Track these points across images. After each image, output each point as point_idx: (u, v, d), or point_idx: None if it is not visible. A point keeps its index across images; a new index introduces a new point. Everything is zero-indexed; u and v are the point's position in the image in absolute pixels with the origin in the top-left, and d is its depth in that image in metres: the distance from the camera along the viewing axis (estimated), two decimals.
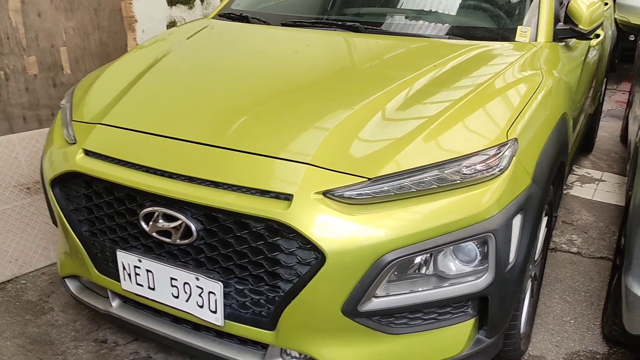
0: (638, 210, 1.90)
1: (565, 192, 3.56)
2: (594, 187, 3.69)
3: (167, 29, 3.44)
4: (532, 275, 2.14)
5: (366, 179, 1.54)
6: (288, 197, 1.52)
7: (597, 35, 3.12)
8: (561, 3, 2.64)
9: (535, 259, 2.12)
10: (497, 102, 1.80)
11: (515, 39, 2.27)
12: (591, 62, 3.10)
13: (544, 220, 2.14)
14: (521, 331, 2.02)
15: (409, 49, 2.18)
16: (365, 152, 1.60)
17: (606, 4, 3.97)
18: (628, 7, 2.61)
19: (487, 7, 2.47)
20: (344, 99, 1.80)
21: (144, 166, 1.70)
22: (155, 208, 1.65)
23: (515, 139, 1.69)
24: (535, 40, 2.26)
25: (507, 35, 2.29)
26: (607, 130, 5.19)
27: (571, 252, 2.96)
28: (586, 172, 3.95)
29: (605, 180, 3.81)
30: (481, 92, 1.81)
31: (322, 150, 1.59)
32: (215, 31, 2.55)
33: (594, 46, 3.01)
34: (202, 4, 3.73)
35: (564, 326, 2.38)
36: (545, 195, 1.85)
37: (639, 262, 1.81)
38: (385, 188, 1.54)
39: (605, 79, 4.49)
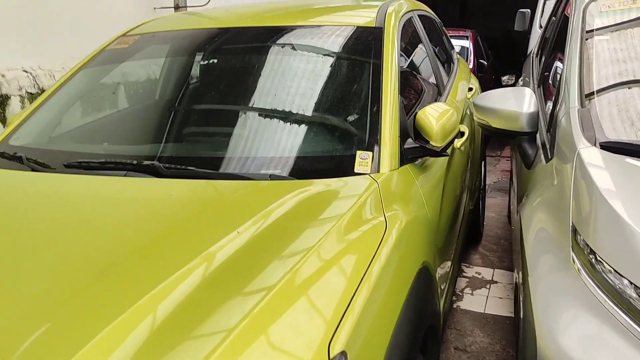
0: None
1: (455, 305, 3.12)
2: (486, 293, 3.28)
3: None
4: None
5: None
6: None
7: (462, 133, 2.78)
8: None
9: None
10: (315, 296, 1.26)
11: (355, 170, 1.79)
12: (459, 164, 2.73)
13: None
14: None
15: (213, 204, 1.64)
16: None
17: (470, 89, 3.73)
18: (485, 109, 2.25)
19: (319, 129, 2.01)
20: (85, 323, 1.17)
21: None
22: None
23: (343, 353, 1.15)
24: (378, 170, 1.80)
25: (344, 165, 1.81)
26: (494, 208, 4.93)
27: None
28: (476, 273, 3.56)
29: (497, 282, 3.42)
30: (290, 283, 1.26)
31: None
32: None
33: (459, 147, 2.63)
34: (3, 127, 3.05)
35: None
36: None
37: None
38: None
39: (483, 162, 4.24)
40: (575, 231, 1.44)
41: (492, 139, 7.19)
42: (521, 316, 1.58)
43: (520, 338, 1.54)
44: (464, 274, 3.52)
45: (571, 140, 1.75)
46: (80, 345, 1.06)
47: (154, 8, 4.61)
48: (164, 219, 1.56)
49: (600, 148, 1.64)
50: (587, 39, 2.39)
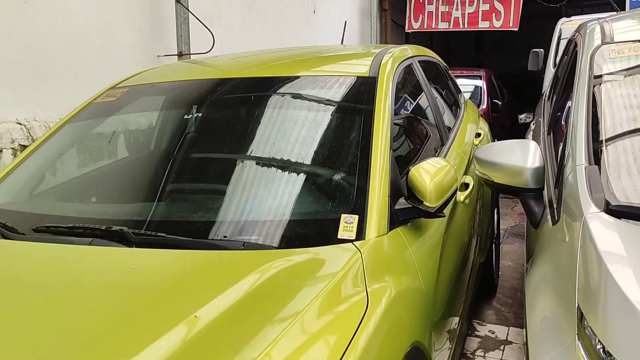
0: None
1: None
2: (499, 355, 3.04)
3: None
4: None
5: None
6: None
7: (467, 185, 2.61)
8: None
9: None
10: None
11: (338, 236, 1.63)
12: (463, 219, 2.53)
13: None
14: None
15: (178, 280, 1.49)
16: None
17: (478, 134, 3.57)
18: (488, 163, 2.09)
19: (302, 190, 1.85)
20: None
21: None
22: None
23: None
24: (364, 236, 1.63)
25: (327, 231, 1.65)
26: (511, 256, 4.68)
27: None
28: (489, 331, 3.31)
29: (511, 342, 3.18)
30: None
31: None
32: None
33: (462, 201, 2.46)
34: None
35: None
36: None
37: None
38: None
39: (496, 208, 4.02)
40: (581, 316, 1.26)
41: None
42: None
43: None
44: (476, 333, 3.29)
45: (578, 203, 1.57)
46: None
47: (158, 56, 4.58)
48: (122, 299, 1.41)
49: (611, 213, 1.46)
50: (595, 86, 2.23)
